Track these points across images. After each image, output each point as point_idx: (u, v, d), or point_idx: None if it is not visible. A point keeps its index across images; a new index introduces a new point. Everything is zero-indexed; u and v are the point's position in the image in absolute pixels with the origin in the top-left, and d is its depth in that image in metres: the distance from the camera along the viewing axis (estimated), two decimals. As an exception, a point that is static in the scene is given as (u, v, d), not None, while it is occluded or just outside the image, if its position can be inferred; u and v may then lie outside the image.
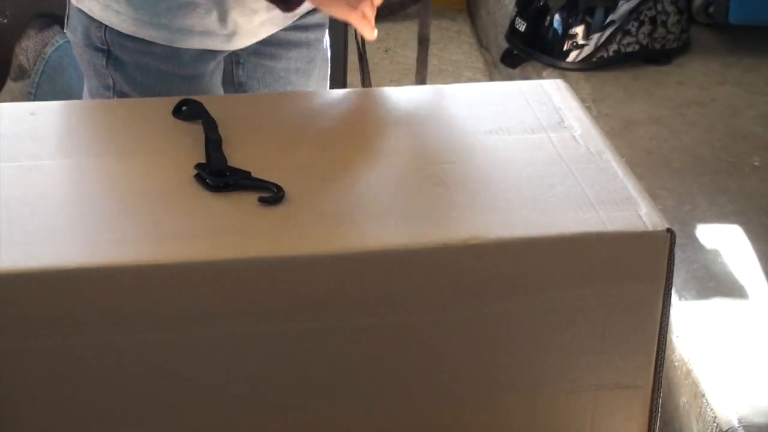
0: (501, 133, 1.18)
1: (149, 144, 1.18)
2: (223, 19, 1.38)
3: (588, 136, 1.21)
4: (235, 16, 1.39)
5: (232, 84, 1.50)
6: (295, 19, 1.46)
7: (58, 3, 2.68)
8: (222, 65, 1.46)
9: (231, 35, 1.41)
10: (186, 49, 1.39)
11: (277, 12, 1.39)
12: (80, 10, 1.40)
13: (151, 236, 1.04)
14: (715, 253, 1.84)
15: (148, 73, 1.40)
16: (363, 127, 1.25)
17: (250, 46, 1.46)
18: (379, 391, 1.09)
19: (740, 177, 2.09)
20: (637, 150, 2.19)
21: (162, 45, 1.38)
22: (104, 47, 1.39)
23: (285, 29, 1.47)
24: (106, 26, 1.38)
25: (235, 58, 1.48)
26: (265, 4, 1.35)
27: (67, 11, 1.44)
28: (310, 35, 1.51)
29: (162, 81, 1.40)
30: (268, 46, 1.48)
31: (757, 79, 2.50)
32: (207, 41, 1.39)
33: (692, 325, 1.65)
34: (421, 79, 1.44)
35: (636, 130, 2.28)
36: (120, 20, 1.36)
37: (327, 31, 1.54)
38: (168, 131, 1.21)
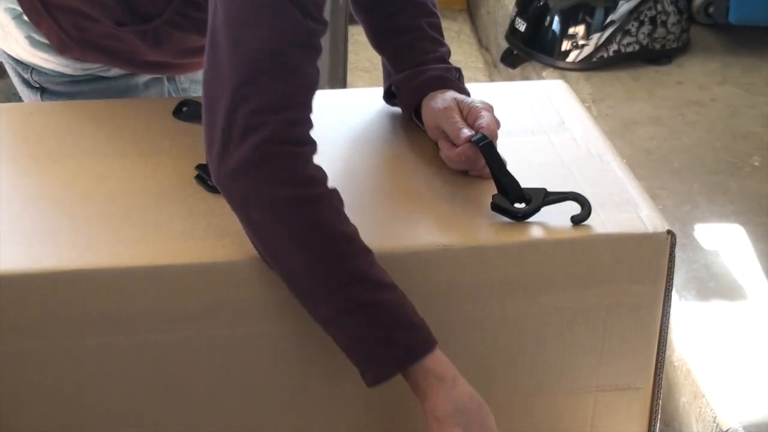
0: (501, 135, 1.18)
1: (149, 144, 1.18)
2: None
3: (588, 138, 1.21)
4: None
5: (177, 91, 1.43)
6: None
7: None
8: (161, 78, 1.39)
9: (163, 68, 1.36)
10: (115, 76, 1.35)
11: None
12: (6, 54, 1.36)
13: (151, 237, 1.04)
14: (715, 253, 1.84)
15: (83, 97, 1.34)
16: (363, 128, 1.25)
17: None
18: (379, 392, 1.09)
19: (740, 177, 2.09)
20: (637, 150, 2.18)
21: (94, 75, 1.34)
22: (37, 86, 1.35)
23: None
24: (32, 68, 1.34)
25: None
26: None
27: None
28: None
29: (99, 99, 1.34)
30: None
31: (757, 79, 2.49)
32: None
33: (692, 325, 1.65)
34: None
35: (636, 130, 2.28)
36: (49, 65, 1.33)
37: None
38: (168, 132, 1.21)
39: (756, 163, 2.14)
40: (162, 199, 1.09)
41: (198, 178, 1.12)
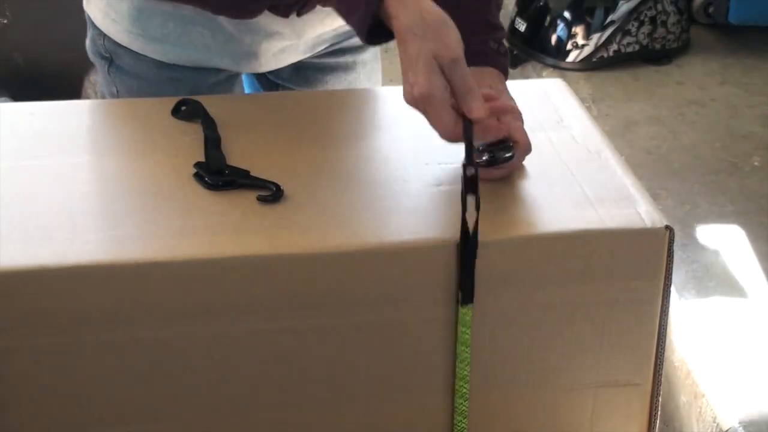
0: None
1: (148, 143, 1.19)
2: (229, 41, 1.34)
3: (587, 136, 1.21)
4: (246, 40, 1.34)
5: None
6: (324, 46, 1.41)
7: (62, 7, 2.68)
8: (231, 83, 1.41)
9: (240, 58, 1.37)
10: (183, 65, 1.36)
11: (297, 40, 1.35)
12: (88, 16, 1.38)
13: (150, 234, 1.04)
14: (715, 253, 1.84)
15: (145, 84, 1.36)
16: (363, 127, 1.25)
17: (285, 70, 1.42)
18: (379, 389, 1.09)
19: (740, 177, 2.09)
20: (637, 150, 2.19)
21: (157, 60, 1.35)
22: (107, 55, 1.37)
23: (320, 56, 1.43)
24: (105, 34, 1.36)
25: (273, 85, 1.45)
26: (284, 30, 1.31)
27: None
28: (348, 59, 1.45)
29: (160, 93, 1.34)
30: (303, 71, 1.43)
31: (757, 79, 2.50)
32: (210, 59, 1.36)
33: (692, 325, 1.65)
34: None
35: (636, 130, 2.28)
36: (116, 30, 1.34)
37: (372, 49, 1.47)
38: (167, 131, 1.21)
39: (756, 163, 2.14)
40: (160, 197, 1.09)
41: (197, 176, 1.12)
